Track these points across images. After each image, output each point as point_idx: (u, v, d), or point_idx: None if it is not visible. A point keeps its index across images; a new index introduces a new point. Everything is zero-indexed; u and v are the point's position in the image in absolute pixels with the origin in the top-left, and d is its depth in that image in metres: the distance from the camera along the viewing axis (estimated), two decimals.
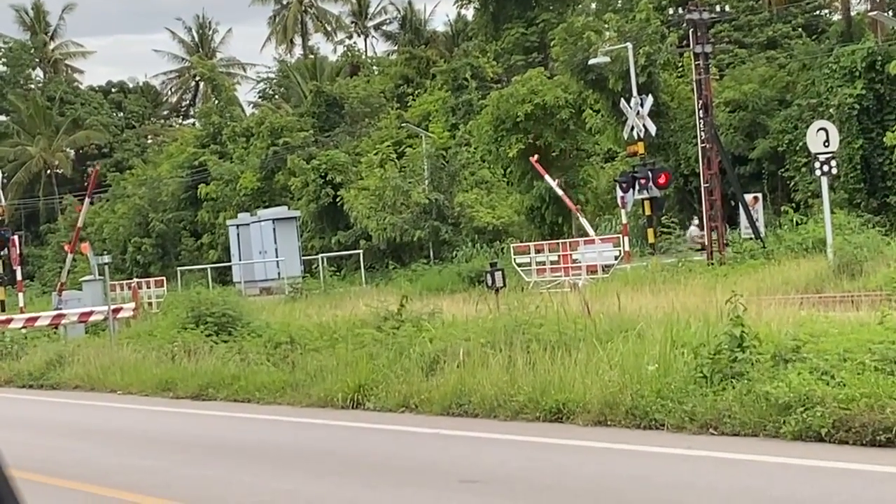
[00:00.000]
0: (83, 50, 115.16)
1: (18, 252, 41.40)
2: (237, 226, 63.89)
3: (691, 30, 41.63)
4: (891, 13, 58.25)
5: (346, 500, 11.38)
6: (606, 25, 56.63)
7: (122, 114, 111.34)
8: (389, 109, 75.37)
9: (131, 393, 23.61)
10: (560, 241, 46.74)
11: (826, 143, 35.17)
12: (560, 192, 52.25)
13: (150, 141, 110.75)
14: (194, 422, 19.13)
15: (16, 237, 42.26)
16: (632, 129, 45.03)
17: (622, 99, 47.02)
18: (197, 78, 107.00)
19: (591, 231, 48.15)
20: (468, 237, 57.86)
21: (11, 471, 1.61)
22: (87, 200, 44.05)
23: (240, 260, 62.68)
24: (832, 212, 36.70)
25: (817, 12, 66.12)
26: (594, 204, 60.64)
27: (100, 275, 37.88)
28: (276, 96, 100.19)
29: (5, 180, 57.10)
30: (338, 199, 63.05)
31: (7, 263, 41.68)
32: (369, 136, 71.37)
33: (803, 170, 49.84)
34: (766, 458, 11.53)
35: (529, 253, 45.23)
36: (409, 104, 76.70)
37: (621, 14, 59.13)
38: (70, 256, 43.26)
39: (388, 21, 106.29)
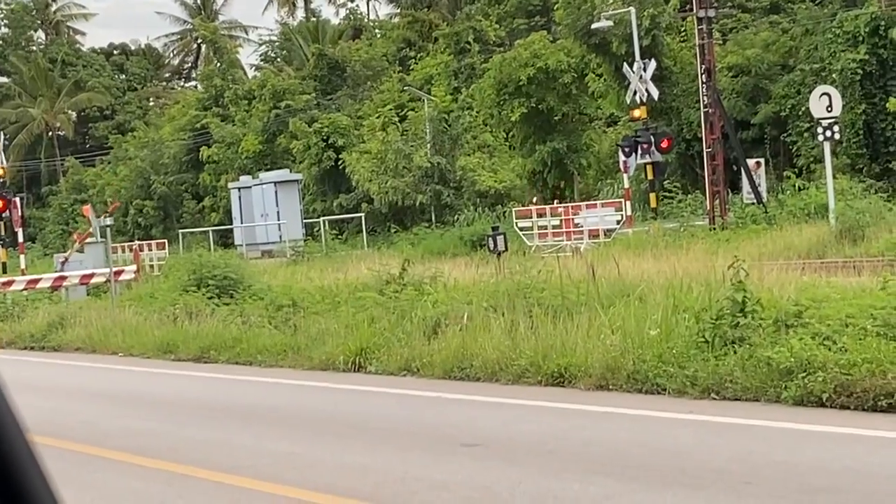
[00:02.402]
0: (85, 12, 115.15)
1: (20, 214, 41.34)
2: (239, 188, 63.90)
3: None
4: None
5: (347, 463, 11.39)
6: None
7: (123, 76, 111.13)
8: (391, 73, 75.12)
9: (132, 355, 23.65)
10: (562, 205, 46.65)
11: (829, 109, 35.10)
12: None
13: (151, 103, 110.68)
14: (195, 384, 19.16)
15: (17, 199, 42.18)
16: (634, 93, 44.86)
17: (625, 63, 46.82)
18: (199, 40, 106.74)
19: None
20: (470, 201, 57.80)
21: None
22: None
23: (241, 223, 62.72)
24: (834, 177, 36.66)
25: None
26: (596, 168, 60.59)
27: (101, 237, 37.88)
28: (278, 59, 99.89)
29: (7, 142, 57.01)
30: (339, 163, 62.96)
31: (9, 225, 41.63)
32: (371, 99, 71.23)
33: (806, 135, 49.74)
34: (767, 423, 11.54)
35: (531, 217, 45.13)
36: (411, 67, 76.47)
37: None
38: (77, 245, 43.22)
39: None
